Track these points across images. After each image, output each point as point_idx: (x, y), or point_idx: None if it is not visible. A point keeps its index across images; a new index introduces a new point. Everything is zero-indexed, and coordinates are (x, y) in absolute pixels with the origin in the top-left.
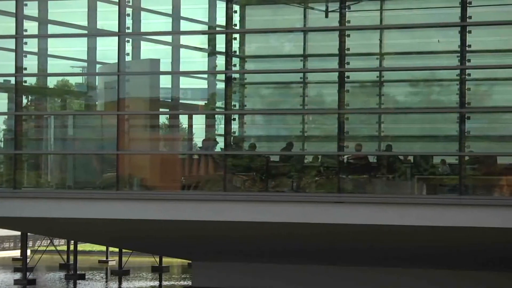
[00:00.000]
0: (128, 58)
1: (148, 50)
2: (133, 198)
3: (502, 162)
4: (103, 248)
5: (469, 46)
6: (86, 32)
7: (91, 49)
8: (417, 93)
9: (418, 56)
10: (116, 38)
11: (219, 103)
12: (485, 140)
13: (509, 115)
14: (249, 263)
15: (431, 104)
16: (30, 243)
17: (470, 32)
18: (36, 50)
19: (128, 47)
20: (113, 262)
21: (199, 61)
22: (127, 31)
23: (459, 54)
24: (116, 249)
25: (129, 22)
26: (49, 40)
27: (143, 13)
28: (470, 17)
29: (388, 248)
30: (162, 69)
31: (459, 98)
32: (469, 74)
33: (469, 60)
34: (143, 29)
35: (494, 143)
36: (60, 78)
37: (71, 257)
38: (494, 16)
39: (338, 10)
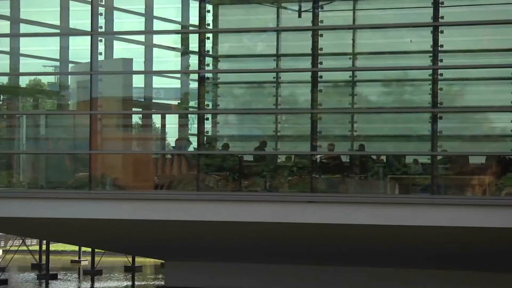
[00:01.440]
0: (101, 58)
1: (121, 50)
2: (106, 198)
3: (474, 161)
4: (76, 248)
5: (442, 46)
6: (58, 31)
7: (64, 49)
8: (389, 93)
9: (390, 56)
10: (89, 37)
11: (192, 103)
12: (457, 139)
13: (481, 115)
14: (222, 263)
15: (403, 104)
16: (2, 243)
17: (442, 32)
18: (8, 49)
19: (101, 47)
20: (85, 262)
21: (172, 60)
22: (100, 30)
23: (431, 54)
24: (89, 249)
25: (102, 21)
26: (21, 39)
27: (116, 12)
28: (442, 17)
29: (360, 248)
30: (135, 68)
31: (431, 98)
32: (441, 74)
33: (441, 60)
34: (116, 29)
35: (466, 143)
36: (32, 77)
37: (44, 257)
38: (467, 16)
39: (311, 10)
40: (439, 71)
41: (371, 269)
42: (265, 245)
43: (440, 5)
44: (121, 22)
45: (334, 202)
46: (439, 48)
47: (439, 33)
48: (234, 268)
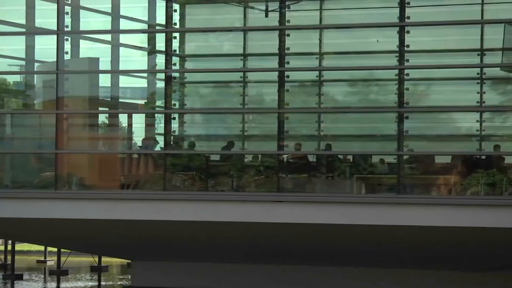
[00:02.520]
0: (67, 57)
1: (87, 49)
2: (72, 198)
3: (440, 161)
4: (41, 248)
5: (408, 46)
6: (24, 30)
7: (30, 48)
8: (356, 93)
9: (357, 56)
10: (55, 36)
11: (159, 102)
12: (423, 139)
13: (447, 114)
14: (189, 263)
15: (370, 104)
16: None
17: (408, 32)
18: None
19: (67, 46)
20: (51, 262)
21: (138, 60)
22: (66, 29)
23: (397, 54)
24: (55, 249)
25: (68, 20)
26: None
27: (82, 12)
28: (408, 17)
29: (327, 247)
30: (101, 68)
31: (397, 98)
32: (407, 74)
33: (407, 60)
34: (82, 28)
35: (431, 143)
36: None
37: (9, 257)
38: (432, 17)
39: (278, 10)
40: (405, 71)
41: (338, 268)
42: (232, 245)
43: (406, 5)
44: (88, 21)
45: (300, 202)
46: (405, 48)
47: (405, 33)
48: (201, 268)
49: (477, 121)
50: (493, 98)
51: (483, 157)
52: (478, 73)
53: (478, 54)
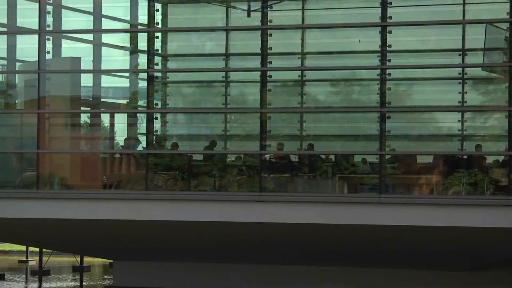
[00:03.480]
0: (49, 56)
1: (69, 48)
2: (54, 198)
3: (422, 161)
4: (23, 248)
5: (390, 46)
6: (5, 29)
7: (11, 47)
8: (338, 93)
9: (339, 56)
10: (37, 36)
11: (141, 102)
12: (405, 139)
13: (428, 114)
14: (171, 263)
15: (352, 104)
16: None
17: (390, 32)
18: None
19: (49, 45)
20: (33, 262)
21: (120, 59)
22: (47, 29)
23: (379, 54)
24: (36, 249)
25: (49, 20)
26: None
27: (64, 11)
28: (390, 17)
29: (309, 247)
30: (83, 67)
31: (379, 98)
32: (389, 74)
33: (389, 60)
34: (64, 27)
35: (413, 142)
36: None
37: None
38: (414, 17)
39: (260, 10)
40: (387, 71)
41: (319, 268)
42: (214, 245)
43: (388, 5)
44: (69, 21)
45: (282, 202)
46: (387, 48)
47: (387, 33)
48: (183, 268)
49: (459, 121)
50: (474, 98)
51: (465, 157)
52: (459, 73)
53: (460, 54)
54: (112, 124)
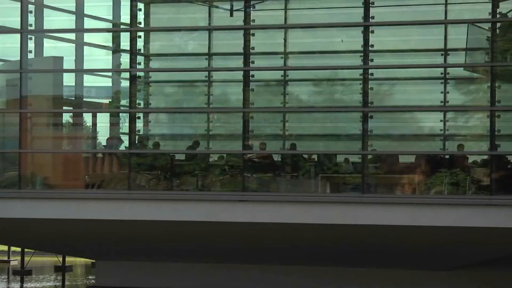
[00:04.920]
0: (31, 56)
1: (51, 48)
2: (36, 197)
3: (404, 160)
4: (5, 247)
5: (372, 46)
6: None
7: None
8: (321, 92)
9: (321, 56)
10: (19, 35)
11: (124, 101)
12: (387, 139)
13: (411, 114)
14: (153, 262)
15: (334, 103)
16: None
17: (373, 32)
18: None
19: (31, 45)
20: (15, 262)
21: (103, 59)
22: (29, 28)
23: (362, 54)
24: (18, 249)
25: (31, 19)
26: None
27: (46, 10)
28: (373, 17)
29: (290, 247)
30: (65, 67)
31: (362, 97)
32: (372, 74)
33: (372, 60)
34: (46, 27)
35: (395, 142)
36: None
37: None
38: (397, 17)
39: (243, 9)
40: (370, 70)
41: (302, 268)
42: (197, 244)
43: (370, 5)
44: (52, 20)
45: (265, 201)
46: (370, 48)
47: (370, 33)
48: (166, 267)
49: (441, 120)
50: (456, 98)
51: (447, 156)
52: (441, 73)
53: (442, 54)
54: (94, 124)
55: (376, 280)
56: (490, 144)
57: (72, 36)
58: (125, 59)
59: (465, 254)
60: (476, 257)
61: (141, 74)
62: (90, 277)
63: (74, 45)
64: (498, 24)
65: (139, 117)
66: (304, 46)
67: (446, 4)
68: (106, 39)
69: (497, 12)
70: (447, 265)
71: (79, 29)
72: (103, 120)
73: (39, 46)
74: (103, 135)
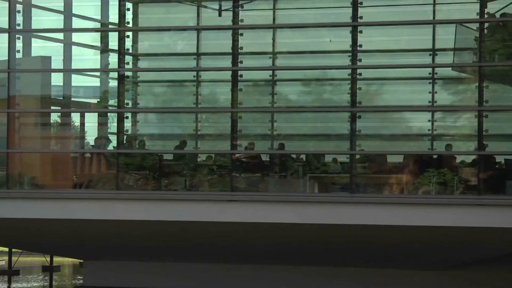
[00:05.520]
0: (19, 55)
1: (39, 48)
2: (24, 197)
3: (393, 160)
4: None
5: (361, 46)
6: None
7: None
8: (309, 92)
9: (310, 56)
10: (7, 35)
11: (112, 101)
12: (375, 138)
13: (399, 114)
14: (141, 262)
15: (323, 103)
16: None
17: (361, 32)
18: None
19: (19, 44)
20: (2, 262)
21: (91, 58)
22: (17, 28)
23: (350, 54)
24: (6, 249)
25: (19, 18)
26: None
27: (34, 10)
28: (361, 17)
29: (279, 247)
30: (53, 66)
31: (350, 97)
32: (360, 74)
33: (360, 60)
34: (34, 26)
35: (384, 142)
36: None
37: None
38: (385, 17)
39: (232, 9)
40: (358, 70)
41: (292, 267)
42: (185, 244)
43: (359, 5)
44: (40, 20)
45: (253, 201)
46: (358, 48)
47: (358, 33)
48: (154, 267)
49: (429, 120)
50: (444, 98)
51: (435, 156)
52: (430, 73)
53: (430, 54)
54: (82, 124)
55: (365, 280)
56: (478, 144)
57: (60, 36)
58: (113, 59)
59: (453, 254)
60: (465, 257)
61: (129, 74)
62: (78, 277)
63: (62, 45)
64: (486, 24)
65: (127, 117)
66: (293, 46)
67: (434, 4)
68: (94, 39)
69: (485, 12)
70: (436, 265)
71: (68, 29)
72: (91, 120)
73: (27, 46)
74: (91, 135)
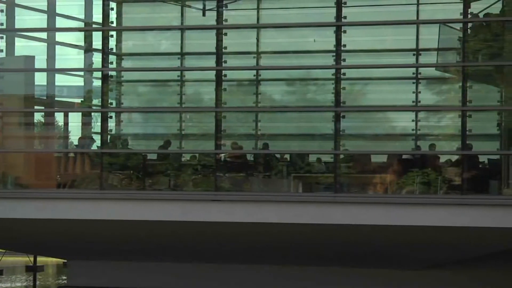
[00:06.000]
0: (2, 55)
1: (22, 47)
2: (7, 197)
3: (376, 160)
4: None
5: (344, 45)
6: None
7: None
8: (293, 92)
9: (294, 55)
10: None
11: (96, 101)
12: (359, 138)
13: (383, 114)
14: (126, 262)
15: (307, 103)
16: None
17: (345, 32)
18: None
19: (2, 44)
20: None
21: (75, 58)
22: (0, 27)
23: (334, 54)
24: None
25: (3, 18)
26: None
27: (17, 9)
28: (345, 17)
29: (263, 246)
30: (37, 66)
31: (334, 97)
32: (344, 74)
33: (344, 60)
34: (17, 26)
35: (368, 142)
36: None
37: None
38: (369, 17)
39: (216, 9)
40: (342, 70)
41: (276, 267)
42: (170, 244)
43: (343, 5)
44: (23, 19)
45: (237, 201)
46: (342, 48)
47: (342, 32)
48: (138, 267)
49: (413, 120)
50: (428, 98)
51: (419, 156)
52: (413, 73)
53: (414, 54)
54: (66, 123)
55: (350, 279)
56: (461, 143)
57: (44, 35)
58: (97, 58)
59: (436, 254)
60: (448, 257)
61: (113, 73)
62: (61, 277)
63: (45, 44)
64: (470, 25)
65: (111, 117)
66: (277, 46)
67: (418, 4)
68: (78, 38)
69: (469, 12)
70: (420, 265)
71: (52, 28)
72: (75, 119)
73: (10, 45)
74: (75, 135)
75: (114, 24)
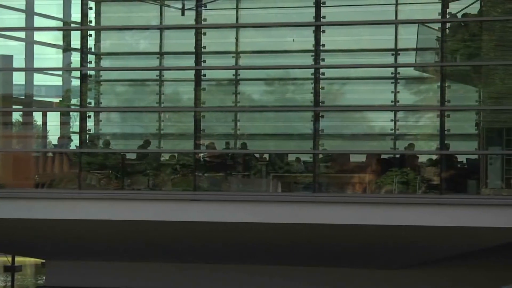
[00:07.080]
0: None
1: (0, 46)
2: None
3: (355, 160)
4: None
5: (323, 45)
6: None
7: None
8: (272, 92)
9: (273, 55)
10: None
11: (74, 100)
12: (338, 138)
13: (362, 114)
14: (104, 262)
15: (286, 103)
16: None
17: (324, 31)
18: None
19: None
20: None
21: (53, 57)
22: None
23: (313, 53)
24: None
25: None
26: None
27: None
28: (324, 17)
29: (241, 246)
30: (15, 65)
31: (313, 97)
32: (323, 73)
33: (323, 59)
34: None
35: (346, 142)
36: None
37: None
38: (348, 16)
39: (194, 8)
40: (321, 70)
41: (253, 267)
42: (148, 244)
43: (321, 5)
44: (1, 18)
45: (216, 201)
46: (321, 48)
47: (321, 32)
48: (117, 267)
49: (391, 120)
50: (407, 98)
51: (397, 155)
52: (392, 73)
53: (392, 54)
54: (44, 123)
55: (328, 279)
56: (440, 143)
57: (22, 34)
58: (75, 57)
59: (414, 253)
60: (428, 256)
61: (92, 73)
62: (40, 277)
63: (24, 43)
64: (448, 25)
65: (89, 116)
66: (256, 46)
67: (396, 4)
68: (56, 37)
69: (447, 12)
70: (399, 264)
71: (30, 28)
72: (54, 119)
73: None
74: (53, 134)
75: (93, 24)
